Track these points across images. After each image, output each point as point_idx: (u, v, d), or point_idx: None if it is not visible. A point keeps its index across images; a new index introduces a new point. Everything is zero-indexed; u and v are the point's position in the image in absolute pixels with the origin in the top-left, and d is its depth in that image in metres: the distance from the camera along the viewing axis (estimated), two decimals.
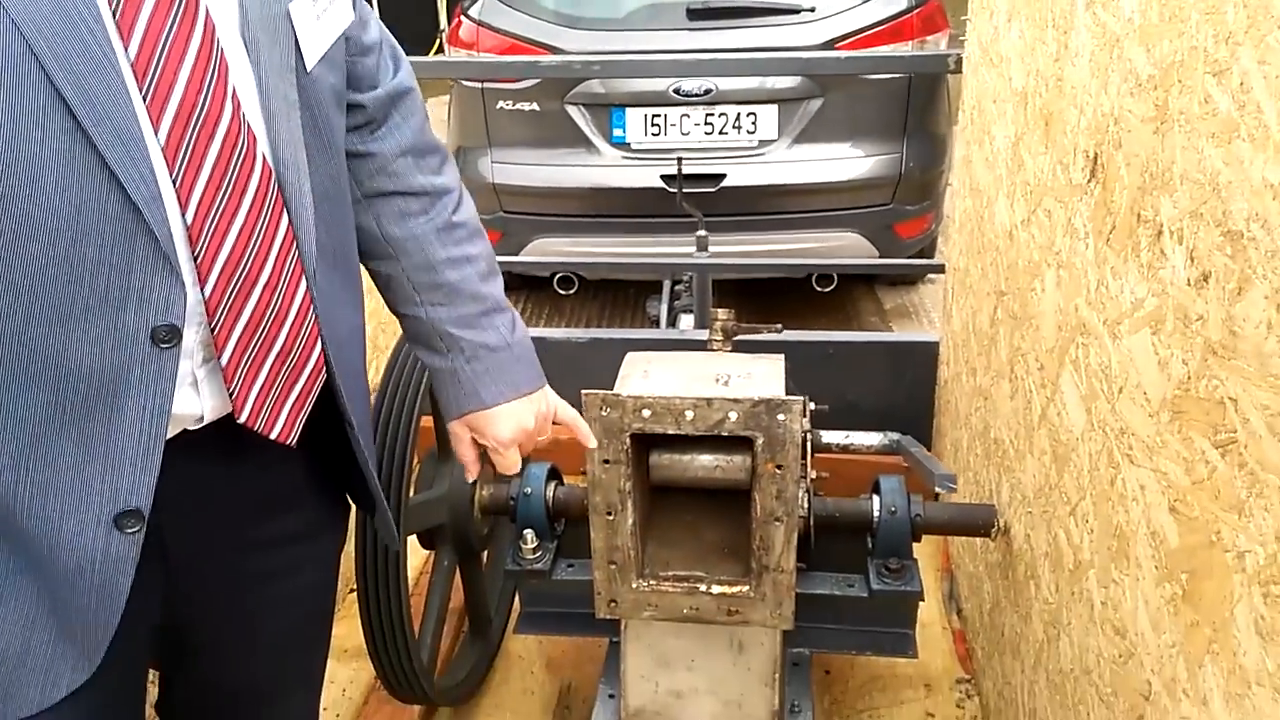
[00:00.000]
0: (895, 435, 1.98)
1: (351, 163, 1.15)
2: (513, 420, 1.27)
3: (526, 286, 4.73)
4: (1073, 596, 1.42)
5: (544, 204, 3.96)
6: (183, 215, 0.87)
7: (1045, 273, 1.55)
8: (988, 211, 2.01)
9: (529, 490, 1.82)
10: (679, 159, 3.15)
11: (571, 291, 4.12)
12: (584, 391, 1.38)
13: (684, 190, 3.18)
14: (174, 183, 0.85)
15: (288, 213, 0.96)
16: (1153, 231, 1.11)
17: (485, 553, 2.15)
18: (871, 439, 1.99)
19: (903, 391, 2.72)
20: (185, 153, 0.86)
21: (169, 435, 0.93)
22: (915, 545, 1.80)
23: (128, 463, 0.90)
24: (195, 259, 0.88)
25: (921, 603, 1.85)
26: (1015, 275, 1.76)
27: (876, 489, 1.80)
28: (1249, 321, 0.89)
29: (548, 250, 4.00)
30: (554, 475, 1.88)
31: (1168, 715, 1.08)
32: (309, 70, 0.98)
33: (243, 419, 0.97)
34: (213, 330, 0.92)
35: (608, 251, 3.89)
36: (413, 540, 1.94)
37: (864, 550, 1.81)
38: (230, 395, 0.96)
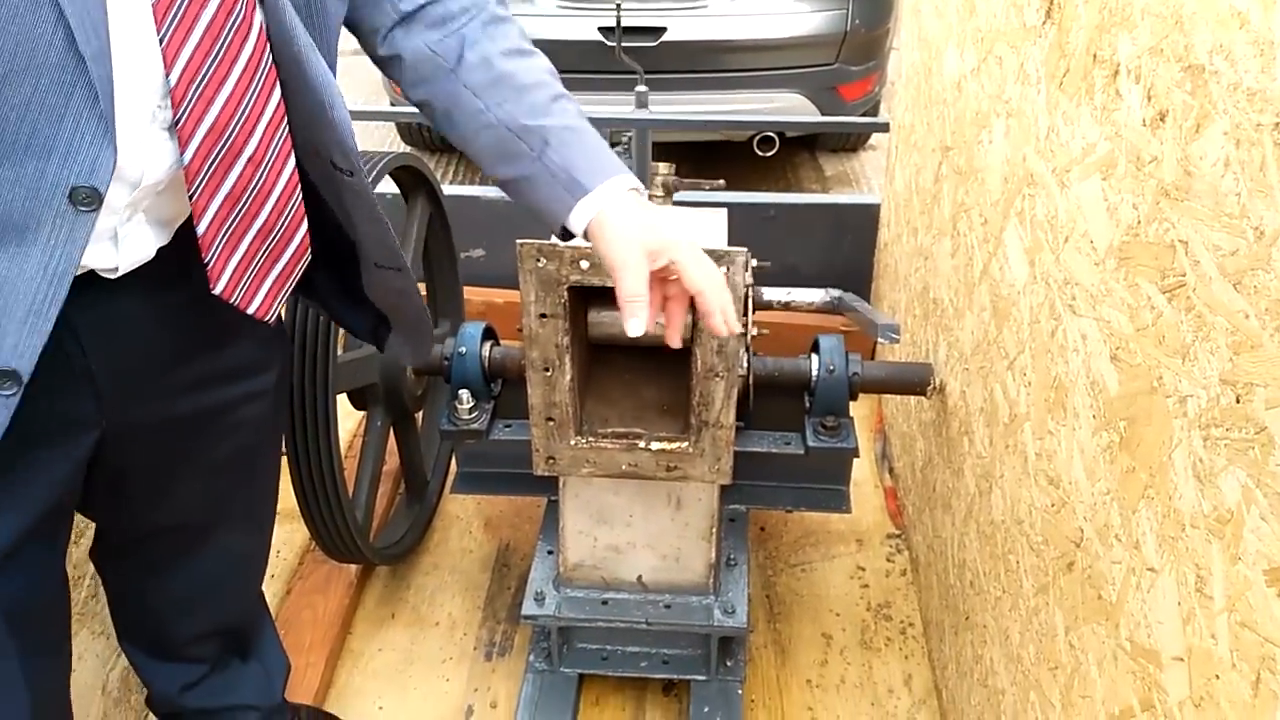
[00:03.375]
0: (837, 291, 1.96)
1: None
2: (630, 221, 1.06)
3: (457, 149, 4.57)
4: (1007, 449, 1.44)
5: None
6: (167, 75, 0.84)
7: (994, 123, 1.51)
8: (936, 63, 1.95)
9: (463, 350, 1.78)
10: (618, 8, 3.01)
11: None
12: (519, 241, 1.33)
13: (622, 44, 3.05)
14: (160, 41, 0.82)
15: (282, 87, 0.93)
16: (1109, 71, 1.07)
17: (420, 413, 2.12)
18: (813, 295, 1.97)
19: (842, 254, 2.70)
20: (177, 12, 0.83)
21: (76, 274, 0.89)
22: (851, 406, 1.81)
23: (17, 322, 0.85)
24: (177, 122, 0.85)
25: (856, 459, 1.87)
26: (962, 128, 1.72)
27: (815, 348, 1.79)
28: (1206, 160, 0.86)
29: None
30: (489, 335, 1.83)
31: (1098, 560, 1.10)
32: None
33: (218, 291, 0.95)
34: (191, 197, 0.90)
35: None
36: (346, 403, 1.90)
37: (801, 409, 1.81)
38: (206, 266, 0.93)
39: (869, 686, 1.91)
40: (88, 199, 0.84)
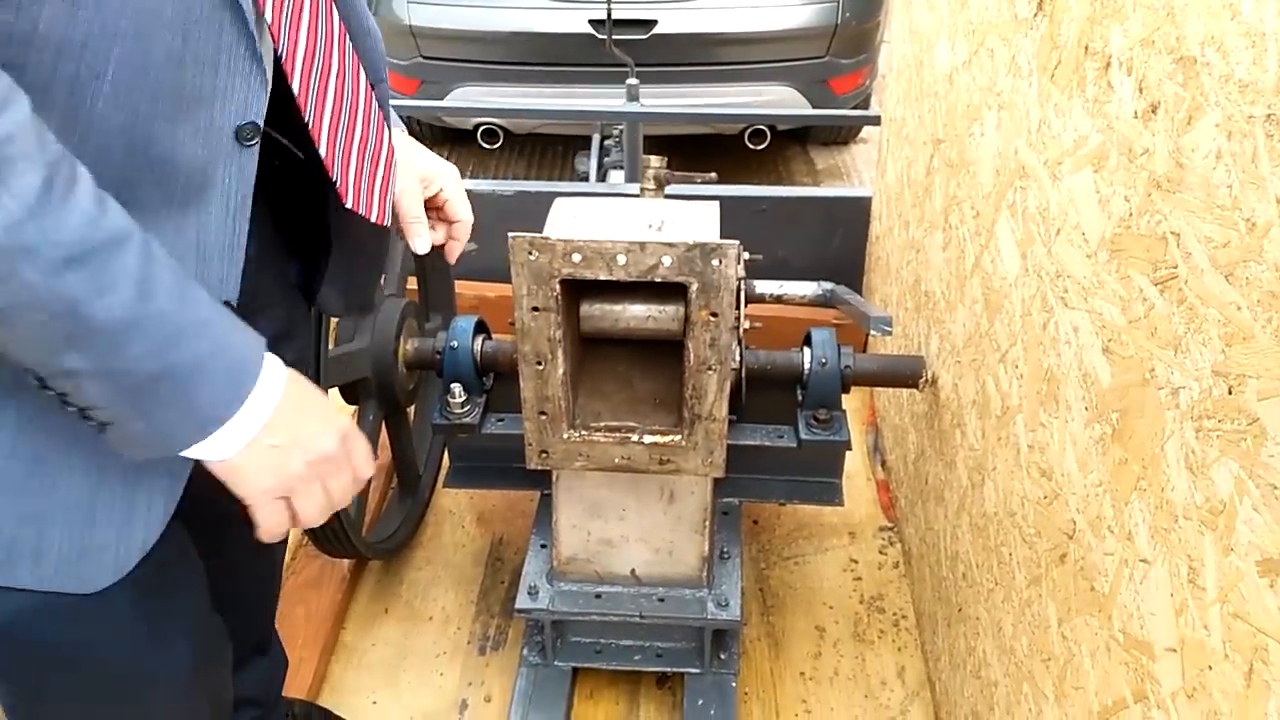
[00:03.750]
0: (829, 284, 1.96)
1: None
2: (405, 152, 1.24)
3: (448, 139, 4.56)
4: (999, 442, 1.44)
5: (465, 49, 3.77)
6: (261, 13, 0.89)
7: (985, 115, 1.51)
8: (927, 56, 1.95)
9: (455, 344, 1.77)
10: (608, 0, 3.00)
11: (496, 146, 3.98)
12: (511, 234, 1.32)
13: (613, 36, 3.04)
14: None
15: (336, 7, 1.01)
16: (1100, 64, 1.07)
17: (412, 408, 2.11)
18: (805, 288, 1.97)
19: (834, 248, 2.70)
20: None
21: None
22: (843, 399, 1.81)
23: (215, 261, 0.91)
24: (279, 55, 0.92)
25: (849, 452, 1.87)
26: (954, 121, 1.72)
27: (808, 341, 1.79)
28: (1198, 152, 0.86)
29: (470, 100, 3.84)
30: (481, 329, 1.83)
31: (1091, 552, 1.10)
32: None
33: (348, 203, 1.04)
34: (307, 125, 0.97)
35: (534, 101, 3.74)
36: (337, 397, 1.89)
37: (794, 402, 1.81)
38: (334, 182, 1.02)
39: (862, 679, 1.91)
40: (250, 135, 0.90)
